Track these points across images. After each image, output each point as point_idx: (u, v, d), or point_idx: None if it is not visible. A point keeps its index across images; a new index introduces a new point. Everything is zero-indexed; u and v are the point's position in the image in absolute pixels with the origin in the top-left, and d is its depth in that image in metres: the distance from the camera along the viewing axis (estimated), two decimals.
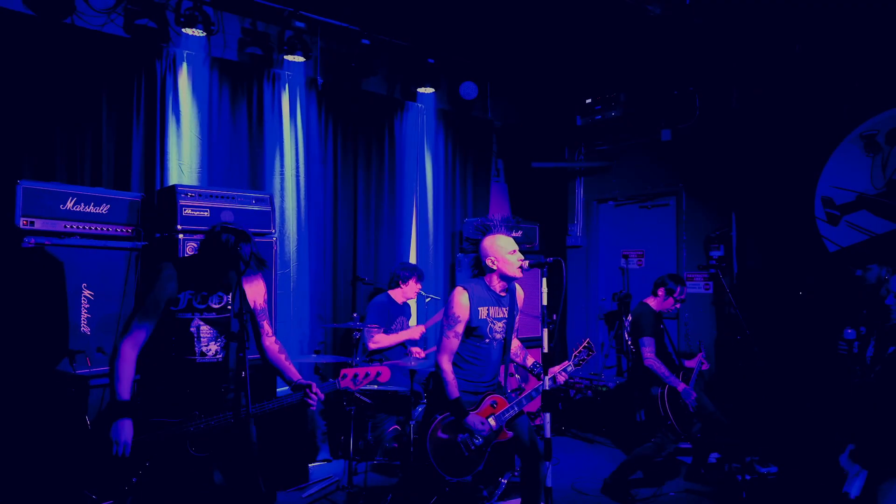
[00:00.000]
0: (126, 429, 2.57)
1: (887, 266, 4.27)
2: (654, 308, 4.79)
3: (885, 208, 5.38)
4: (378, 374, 3.02)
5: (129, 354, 2.65)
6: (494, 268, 3.45)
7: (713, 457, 5.17)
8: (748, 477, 4.59)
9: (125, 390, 2.61)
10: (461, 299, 3.41)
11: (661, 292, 4.79)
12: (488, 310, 3.45)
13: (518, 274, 3.43)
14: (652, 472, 4.92)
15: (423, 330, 5.16)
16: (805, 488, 4.49)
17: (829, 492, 4.10)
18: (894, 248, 5.13)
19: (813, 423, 4.90)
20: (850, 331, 4.46)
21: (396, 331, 5.07)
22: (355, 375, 2.97)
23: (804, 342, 5.28)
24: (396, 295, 5.19)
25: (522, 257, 3.44)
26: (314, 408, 2.89)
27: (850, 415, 3.33)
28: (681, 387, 4.50)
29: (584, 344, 3.57)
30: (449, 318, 3.42)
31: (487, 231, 3.50)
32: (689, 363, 4.82)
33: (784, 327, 5.49)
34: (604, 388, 6.59)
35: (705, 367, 4.79)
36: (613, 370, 7.19)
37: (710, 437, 4.80)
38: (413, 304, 5.58)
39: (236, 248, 2.60)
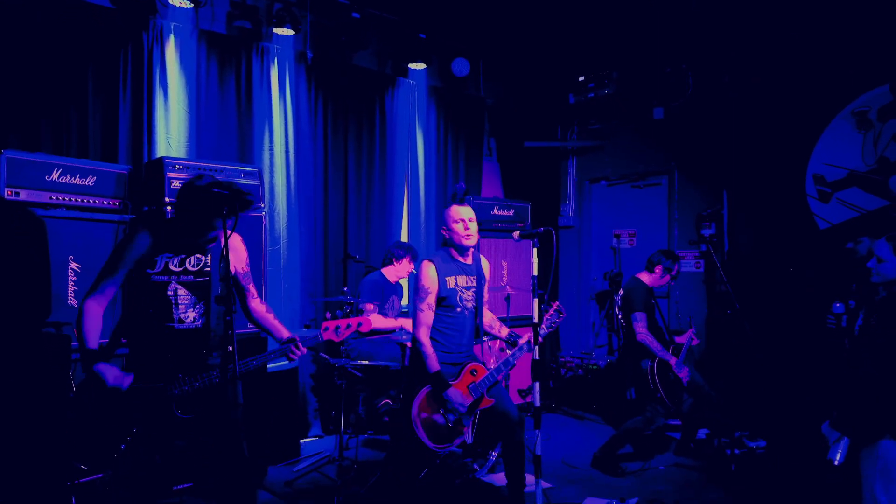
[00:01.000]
0: (108, 370, 2.56)
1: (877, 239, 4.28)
2: (647, 283, 4.79)
3: (876, 185, 5.39)
4: (359, 324, 3.01)
5: (93, 310, 2.63)
6: (447, 237, 3.55)
7: (702, 432, 5.21)
8: (737, 451, 4.64)
9: (93, 340, 2.60)
10: (428, 271, 3.46)
11: (658, 270, 4.78)
12: (456, 279, 3.50)
13: (464, 243, 3.50)
14: (641, 446, 4.95)
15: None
16: (793, 461, 4.54)
17: (816, 464, 4.15)
18: (884, 224, 5.14)
19: (802, 397, 4.94)
20: (838, 305, 4.48)
21: (388, 310, 5.05)
22: (337, 327, 2.97)
23: (794, 318, 5.31)
24: (389, 273, 5.17)
25: (469, 227, 3.49)
26: (295, 361, 2.88)
27: (835, 386, 3.35)
28: (672, 360, 4.51)
29: (554, 307, 3.63)
30: (420, 291, 3.46)
31: (455, 201, 3.57)
32: (679, 339, 4.84)
33: (774, 304, 5.51)
34: (594, 367, 6.62)
35: (695, 342, 4.81)
36: (604, 349, 7.21)
37: (699, 412, 4.83)
38: (404, 283, 5.55)
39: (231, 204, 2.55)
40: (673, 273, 4.80)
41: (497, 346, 5.51)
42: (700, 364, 5.22)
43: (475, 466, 4.35)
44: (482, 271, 3.65)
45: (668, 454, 4.97)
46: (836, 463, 2.69)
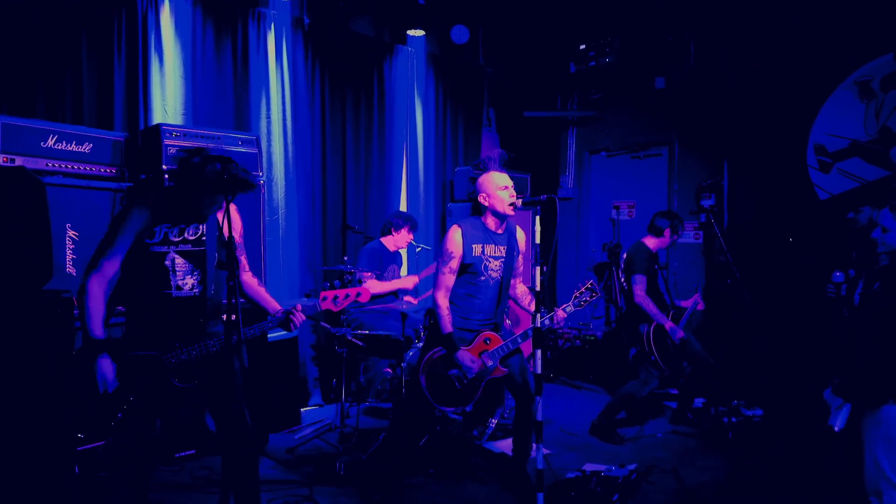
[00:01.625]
0: (106, 366, 2.54)
1: (880, 209, 4.27)
2: (651, 248, 4.80)
3: (877, 155, 5.36)
4: (358, 294, 2.99)
5: (96, 291, 2.59)
6: (486, 204, 3.45)
7: (699, 401, 5.26)
8: (734, 419, 4.68)
9: (97, 327, 2.56)
10: (454, 236, 3.43)
11: (667, 233, 4.77)
12: (483, 247, 3.46)
13: (509, 211, 3.43)
14: (638, 413, 5.01)
15: (417, 280, 5.13)
16: (788, 428, 4.59)
17: (813, 431, 4.20)
18: (885, 195, 5.13)
19: (799, 366, 4.98)
20: (838, 274, 4.49)
21: (388, 278, 5.05)
22: (335, 297, 2.95)
23: (794, 288, 5.32)
24: (388, 243, 5.16)
25: (515, 194, 3.43)
26: (295, 331, 2.87)
27: (835, 353, 3.37)
28: (668, 325, 4.54)
29: (588, 285, 3.50)
30: (443, 255, 3.44)
31: (485, 168, 3.49)
32: (684, 303, 4.86)
33: (774, 274, 5.53)
34: (592, 338, 6.67)
35: (700, 307, 4.81)
36: (602, 320, 7.23)
37: (697, 377, 4.87)
38: (403, 253, 5.54)
39: (227, 173, 2.52)
40: (680, 231, 4.81)
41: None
42: (698, 333, 5.25)
43: (475, 434, 4.39)
44: (516, 243, 3.57)
45: (665, 422, 5.02)
46: (836, 429, 2.71)
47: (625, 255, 4.96)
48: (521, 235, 3.64)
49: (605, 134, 7.34)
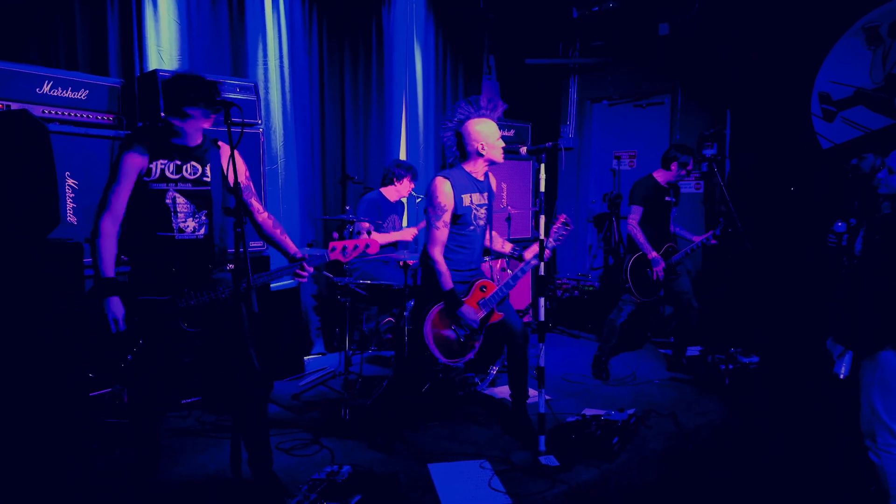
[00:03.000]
0: (116, 305, 2.56)
1: (883, 156, 4.25)
2: (659, 181, 4.87)
3: (882, 103, 5.30)
4: (367, 245, 2.98)
5: (109, 230, 2.60)
6: (483, 153, 3.42)
7: (696, 349, 5.34)
8: (731, 366, 4.76)
9: (109, 267, 2.58)
10: (444, 188, 3.37)
11: (673, 167, 4.86)
12: (471, 196, 3.45)
13: (500, 160, 3.47)
14: (635, 360, 5.10)
15: (415, 232, 5.13)
16: (784, 376, 4.68)
17: (807, 378, 4.28)
18: (888, 143, 5.09)
19: (796, 316, 5.04)
20: (840, 224, 4.48)
21: (389, 228, 5.04)
22: (344, 248, 2.94)
23: (793, 238, 5.34)
24: (389, 193, 5.12)
25: (504, 144, 3.48)
26: (305, 280, 2.89)
27: (835, 302, 3.40)
28: (651, 255, 4.72)
29: (561, 220, 3.61)
30: (435, 209, 3.38)
31: (477, 106, 3.45)
32: (696, 238, 4.92)
33: (774, 224, 5.53)
34: (590, 288, 6.72)
35: (713, 242, 4.85)
36: (601, 271, 7.28)
37: (682, 318, 4.99)
38: (404, 203, 5.51)
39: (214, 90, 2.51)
40: (689, 167, 4.86)
41: (498, 266, 5.54)
42: (696, 284, 5.31)
43: (476, 380, 4.47)
44: (492, 188, 3.62)
45: (662, 370, 5.11)
46: (841, 377, 2.76)
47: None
48: (492, 179, 3.69)
49: (608, 82, 7.23)
